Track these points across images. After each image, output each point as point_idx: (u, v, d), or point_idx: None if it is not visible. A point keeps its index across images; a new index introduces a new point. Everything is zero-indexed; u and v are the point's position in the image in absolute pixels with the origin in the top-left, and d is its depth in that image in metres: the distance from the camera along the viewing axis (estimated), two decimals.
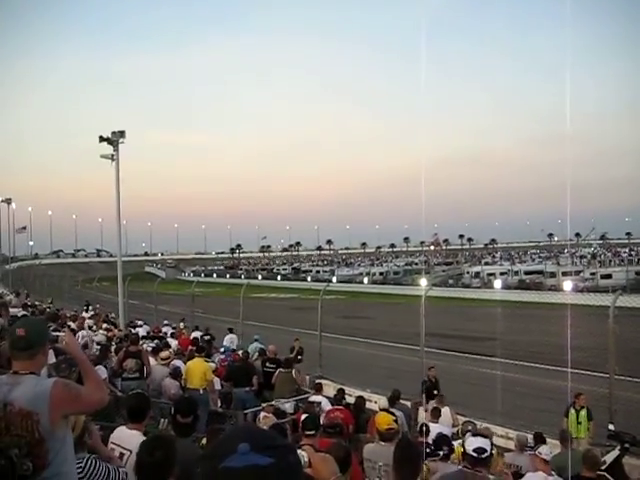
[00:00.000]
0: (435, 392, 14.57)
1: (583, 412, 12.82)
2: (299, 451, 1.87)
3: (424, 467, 6.00)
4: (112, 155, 25.86)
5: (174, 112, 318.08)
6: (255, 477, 1.30)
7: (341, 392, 13.83)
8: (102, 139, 25.50)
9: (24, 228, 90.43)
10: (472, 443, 5.22)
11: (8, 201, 75.75)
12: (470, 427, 9.86)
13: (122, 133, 25.88)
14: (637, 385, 17.69)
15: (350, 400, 13.87)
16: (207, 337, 22.38)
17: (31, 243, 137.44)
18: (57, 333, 4.27)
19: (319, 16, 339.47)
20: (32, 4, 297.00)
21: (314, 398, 13.00)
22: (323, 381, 17.74)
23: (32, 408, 3.34)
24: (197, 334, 22.06)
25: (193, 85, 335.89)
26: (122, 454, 5.13)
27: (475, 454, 5.16)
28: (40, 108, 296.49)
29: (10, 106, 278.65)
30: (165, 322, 27.62)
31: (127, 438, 5.20)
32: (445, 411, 12.59)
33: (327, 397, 13.76)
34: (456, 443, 5.48)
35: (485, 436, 5.59)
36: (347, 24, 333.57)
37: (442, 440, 7.49)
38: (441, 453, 7.27)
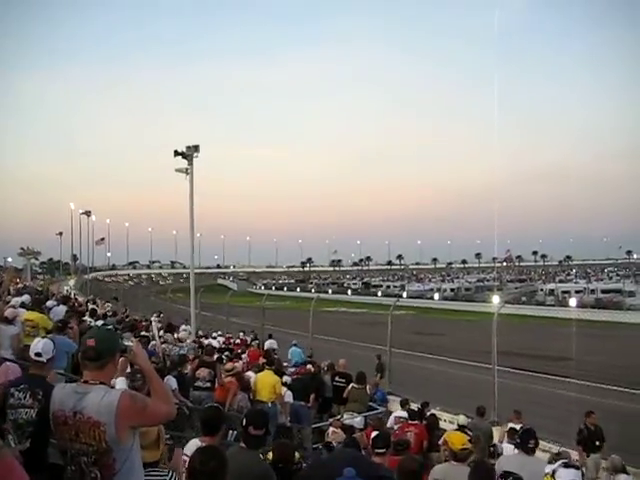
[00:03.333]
0: (597, 443, 12.34)
1: None
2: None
3: None
4: (186, 169, 26.31)
5: (247, 127, 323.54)
6: None
7: (425, 405, 13.62)
8: (177, 153, 25.97)
9: (102, 239, 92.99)
10: (565, 475, 4.99)
11: (88, 213, 78.38)
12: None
13: (196, 148, 26.29)
14: None
15: None
16: (256, 341, 24.33)
17: (109, 254, 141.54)
18: (128, 343, 4.33)
19: (390, 30, 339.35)
20: (112, 17, 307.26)
21: (399, 414, 12.84)
22: (391, 397, 17.55)
23: (99, 418, 3.36)
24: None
25: (265, 100, 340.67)
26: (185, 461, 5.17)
27: None
28: (117, 123, 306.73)
29: (88, 121, 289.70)
30: (216, 334, 27.79)
31: None
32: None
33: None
34: (547, 469, 5.19)
35: (578, 467, 5.33)
36: (420, 38, 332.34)
37: (528, 434, 7.36)
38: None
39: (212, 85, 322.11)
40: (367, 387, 14.82)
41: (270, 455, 6.31)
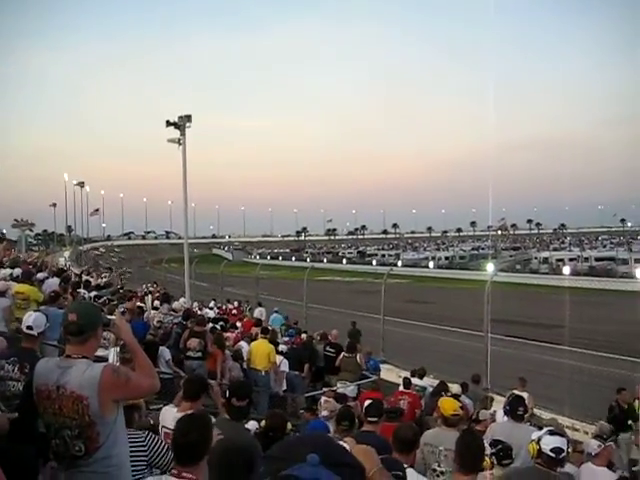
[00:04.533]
0: (630, 422, 11.68)
1: None
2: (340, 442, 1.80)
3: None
4: (179, 139, 26.14)
5: (241, 96, 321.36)
6: None
7: (422, 370, 13.85)
8: (169, 124, 25.80)
9: (97, 210, 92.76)
10: (550, 442, 5.07)
11: (81, 184, 78.12)
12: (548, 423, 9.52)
13: (189, 117, 26.10)
14: None
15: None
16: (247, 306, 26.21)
17: (104, 225, 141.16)
18: (111, 317, 4.38)
19: (382, 2, 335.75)
20: None
21: (416, 382, 12.94)
22: (385, 366, 17.66)
23: (82, 392, 3.38)
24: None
25: (259, 69, 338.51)
26: (167, 434, 5.20)
27: (553, 454, 5.02)
28: (110, 93, 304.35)
29: (81, 91, 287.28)
30: (212, 304, 27.97)
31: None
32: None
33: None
34: (534, 436, 5.29)
35: (563, 435, 5.42)
36: (412, 11, 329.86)
37: (517, 401, 7.56)
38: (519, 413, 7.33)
39: (206, 56, 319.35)
40: (357, 356, 14.89)
41: (263, 422, 6.39)
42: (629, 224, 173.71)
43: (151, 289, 32.78)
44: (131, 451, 4.14)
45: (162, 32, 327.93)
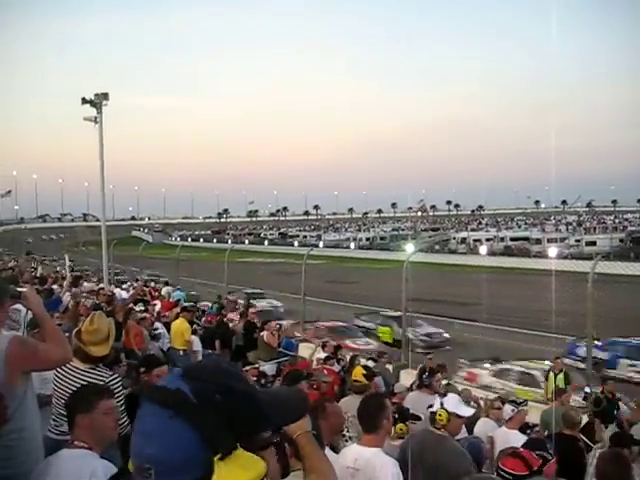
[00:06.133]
0: (615, 412, 10.91)
1: (561, 376, 13.14)
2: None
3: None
4: (95, 118, 25.49)
5: (161, 76, 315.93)
6: (160, 398, 1.32)
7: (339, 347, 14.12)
8: (85, 101, 25.10)
9: (9, 192, 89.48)
10: (450, 401, 5.30)
11: None
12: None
13: (105, 95, 25.42)
14: None
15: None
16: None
17: (16, 207, 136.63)
18: (21, 289, 4.31)
19: None
20: None
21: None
22: (304, 344, 17.84)
23: None
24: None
25: (181, 49, 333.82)
26: None
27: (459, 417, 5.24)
28: (22, 71, 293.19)
29: None
30: (126, 285, 27.47)
31: None
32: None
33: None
34: (436, 402, 5.48)
35: (467, 401, 5.68)
36: None
37: (423, 372, 8.31)
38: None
39: (128, 35, 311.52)
40: (265, 334, 15.00)
41: None
42: (542, 205, 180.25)
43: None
44: None
45: (78, 9, 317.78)
